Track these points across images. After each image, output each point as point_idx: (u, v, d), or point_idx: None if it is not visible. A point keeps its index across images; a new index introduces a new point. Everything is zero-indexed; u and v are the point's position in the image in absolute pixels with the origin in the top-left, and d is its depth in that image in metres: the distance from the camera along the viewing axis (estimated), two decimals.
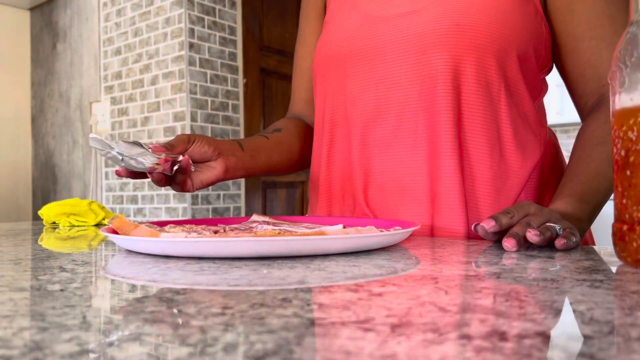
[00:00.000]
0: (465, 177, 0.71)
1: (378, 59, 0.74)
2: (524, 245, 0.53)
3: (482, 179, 0.71)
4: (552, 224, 0.54)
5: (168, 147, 0.66)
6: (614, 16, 0.69)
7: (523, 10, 0.70)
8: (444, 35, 0.69)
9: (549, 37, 0.75)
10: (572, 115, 4.11)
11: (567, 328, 0.25)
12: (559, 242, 0.53)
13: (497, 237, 0.57)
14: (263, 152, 0.79)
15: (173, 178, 0.67)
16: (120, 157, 0.62)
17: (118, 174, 0.65)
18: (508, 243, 0.51)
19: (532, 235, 0.51)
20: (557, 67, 0.79)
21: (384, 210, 0.76)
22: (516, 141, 0.72)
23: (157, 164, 0.62)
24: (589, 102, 0.74)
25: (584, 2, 0.70)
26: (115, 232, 0.57)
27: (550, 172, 0.77)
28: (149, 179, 0.63)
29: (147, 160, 0.62)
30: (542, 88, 0.79)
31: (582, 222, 0.63)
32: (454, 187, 0.70)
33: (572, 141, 4.46)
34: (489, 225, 0.54)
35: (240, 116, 2.55)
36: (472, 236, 0.70)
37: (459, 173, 0.70)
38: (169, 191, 2.39)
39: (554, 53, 0.78)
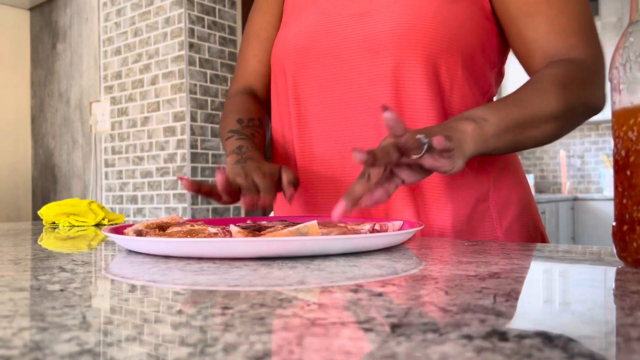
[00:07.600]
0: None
1: (332, 58, 0.77)
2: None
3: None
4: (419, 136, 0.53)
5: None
6: None
7: (470, 13, 0.72)
8: (395, 36, 0.71)
9: (497, 36, 0.76)
10: None
11: (567, 328, 0.25)
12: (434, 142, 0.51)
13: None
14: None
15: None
16: None
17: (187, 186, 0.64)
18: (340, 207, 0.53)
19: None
20: (514, 53, 0.79)
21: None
22: None
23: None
24: None
25: None
26: (115, 232, 0.57)
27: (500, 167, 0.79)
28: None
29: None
30: (492, 83, 0.80)
31: (486, 121, 0.62)
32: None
33: (571, 141, 4.45)
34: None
35: None
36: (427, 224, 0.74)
37: None
38: (168, 191, 2.39)
39: (506, 42, 0.78)
